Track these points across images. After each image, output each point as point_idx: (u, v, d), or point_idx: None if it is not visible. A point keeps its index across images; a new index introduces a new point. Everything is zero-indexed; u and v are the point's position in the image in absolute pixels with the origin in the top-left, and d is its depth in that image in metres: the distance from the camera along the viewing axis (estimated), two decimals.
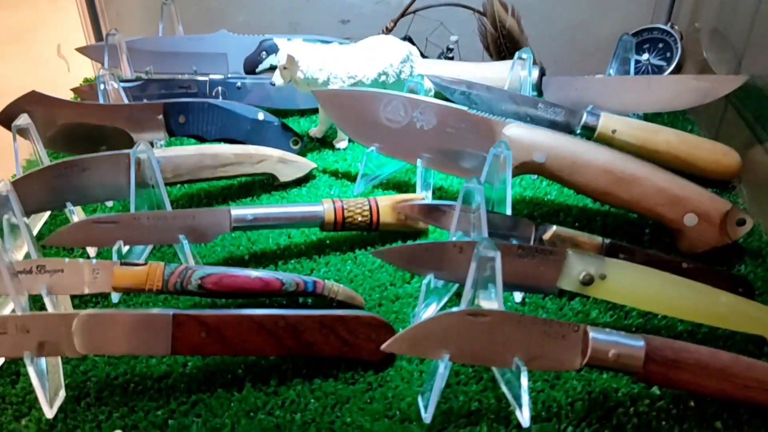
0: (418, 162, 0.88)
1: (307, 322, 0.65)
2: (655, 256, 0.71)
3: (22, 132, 0.85)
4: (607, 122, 0.92)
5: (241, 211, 0.78)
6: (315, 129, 1.07)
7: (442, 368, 0.59)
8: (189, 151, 0.88)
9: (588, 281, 0.66)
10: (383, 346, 0.60)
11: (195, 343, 0.63)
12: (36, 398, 0.62)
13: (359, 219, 0.81)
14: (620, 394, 0.63)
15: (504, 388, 0.63)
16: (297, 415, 0.61)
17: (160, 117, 0.94)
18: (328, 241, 0.84)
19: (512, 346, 0.59)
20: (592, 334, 0.59)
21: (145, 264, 0.70)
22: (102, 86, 0.98)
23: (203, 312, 0.64)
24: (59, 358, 0.65)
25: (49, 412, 0.62)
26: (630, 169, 0.78)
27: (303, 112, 1.14)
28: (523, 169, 0.82)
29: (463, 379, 0.65)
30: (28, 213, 0.80)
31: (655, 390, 0.63)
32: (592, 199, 0.83)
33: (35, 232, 0.87)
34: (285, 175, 0.94)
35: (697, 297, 0.66)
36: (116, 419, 0.62)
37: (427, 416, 0.60)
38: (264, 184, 0.96)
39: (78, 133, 0.93)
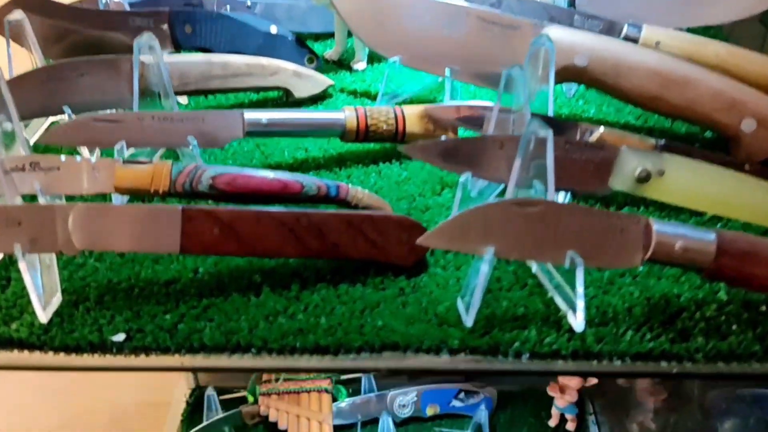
0: (446, 73, 0.81)
1: (332, 221, 0.58)
2: (715, 157, 0.65)
3: (15, 33, 0.77)
4: (650, 34, 0.84)
5: (255, 114, 0.71)
6: (331, 51, 1.00)
7: (486, 265, 0.52)
8: (197, 58, 0.81)
9: (644, 178, 0.59)
10: (419, 240, 0.53)
11: (207, 240, 0.57)
12: (28, 302, 0.56)
13: (384, 128, 0.74)
14: (683, 299, 0.56)
15: (553, 293, 0.56)
16: (322, 319, 0.55)
17: (165, 27, 0.86)
18: (349, 156, 0.78)
19: (565, 240, 0.53)
20: (656, 226, 0.52)
21: (150, 162, 0.63)
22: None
23: (217, 207, 0.57)
24: (54, 261, 0.59)
25: (43, 316, 0.55)
26: (681, 70, 0.71)
27: (317, 37, 1.07)
28: (563, 74, 0.75)
29: (505, 285, 0.58)
30: (22, 119, 0.73)
31: (722, 295, 0.56)
32: (639, 107, 0.75)
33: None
34: (300, 90, 0.86)
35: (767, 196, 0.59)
36: (119, 323, 0.55)
37: (468, 319, 0.54)
38: (277, 102, 0.89)
39: (75, 43, 0.86)
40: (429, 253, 0.62)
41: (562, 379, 1.16)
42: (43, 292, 0.56)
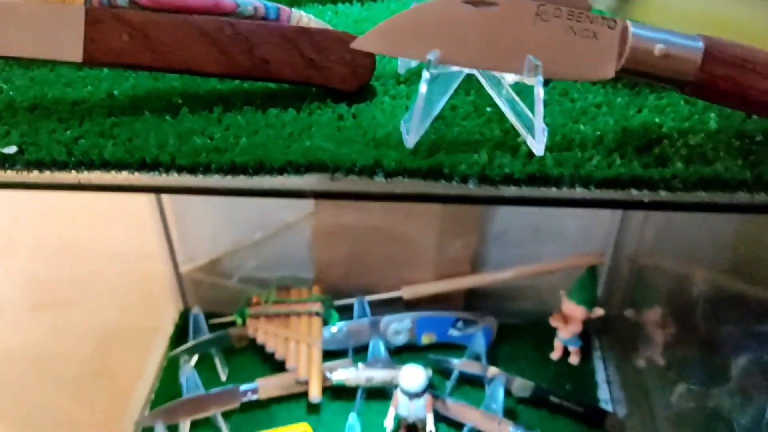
0: None
1: (263, 33, 0.50)
2: None
3: None
4: None
5: None
6: None
7: (429, 72, 0.44)
8: None
9: None
10: (354, 42, 0.45)
11: (115, 48, 0.49)
12: None
13: None
14: (665, 128, 0.48)
15: (512, 119, 0.49)
16: (243, 139, 0.47)
17: None
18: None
19: (526, 45, 0.45)
20: (634, 28, 0.44)
21: None
22: None
23: (127, 10, 0.50)
24: None
25: None
26: None
27: None
28: None
29: (461, 113, 0.51)
30: None
31: (712, 124, 0.48)
32: None
33: None
34: None
35: None
36: (14, 137, 0.48)
37: (409, 140, 0.46)
38: None
39: None
40: (379, 82, 0.54)
41: (565, 309, 1.09)
42: None
